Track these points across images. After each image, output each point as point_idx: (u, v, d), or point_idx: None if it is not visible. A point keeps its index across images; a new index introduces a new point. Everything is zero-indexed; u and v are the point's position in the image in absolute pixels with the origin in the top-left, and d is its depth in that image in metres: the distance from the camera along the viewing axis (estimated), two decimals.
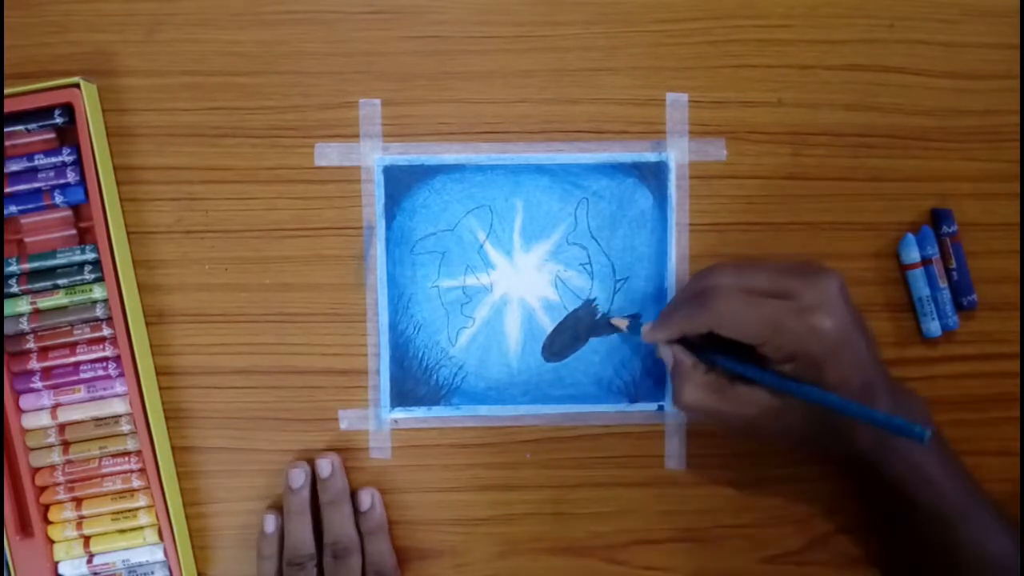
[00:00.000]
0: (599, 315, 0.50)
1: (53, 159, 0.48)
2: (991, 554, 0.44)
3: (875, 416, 0.41)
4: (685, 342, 0.46)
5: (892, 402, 0.44)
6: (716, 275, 0.45)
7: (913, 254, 0.50)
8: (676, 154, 0.50)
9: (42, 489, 0.49)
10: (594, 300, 0.51)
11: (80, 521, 0.49)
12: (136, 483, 0.49)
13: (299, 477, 0.48)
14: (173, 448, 0.50)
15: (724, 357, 0.45)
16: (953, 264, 0.50)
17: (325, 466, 0.49)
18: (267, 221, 0.50)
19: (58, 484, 0.48)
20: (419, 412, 0.51)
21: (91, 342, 0.48)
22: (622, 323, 0.50)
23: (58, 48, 0.49)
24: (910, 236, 0.50)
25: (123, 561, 0.49)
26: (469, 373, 0.51)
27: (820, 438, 0.45)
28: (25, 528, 0.49)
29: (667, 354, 0.46)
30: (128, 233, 0.50)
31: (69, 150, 0.48)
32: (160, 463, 0.48)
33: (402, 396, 0.51)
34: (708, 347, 0.45)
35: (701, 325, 0.44)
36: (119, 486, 0.49)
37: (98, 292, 0.48)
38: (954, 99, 0.51)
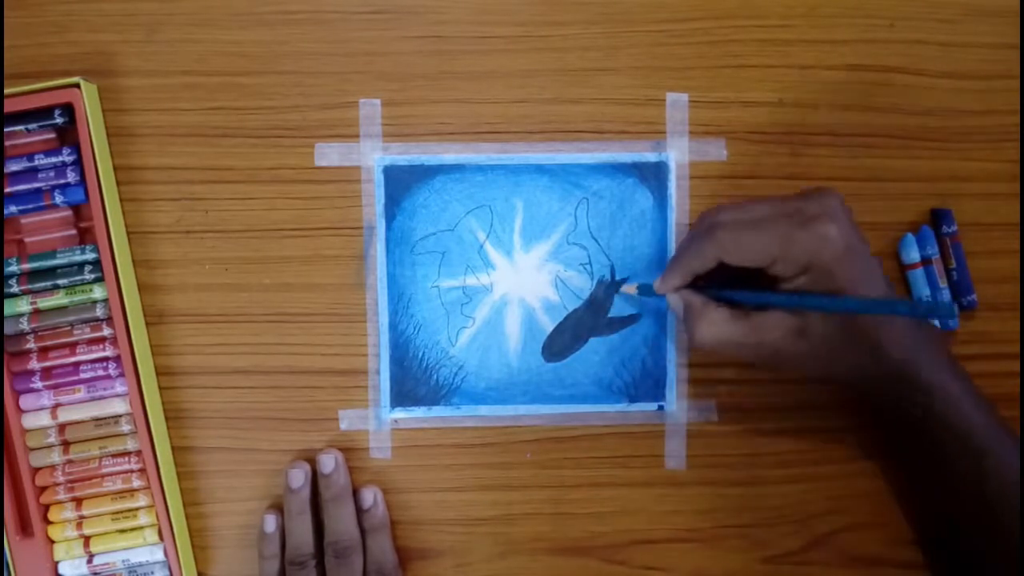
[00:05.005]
0: (609, 284, 0.50)
1: (53, 159, 0.48)
2: (1016, 483, 0.43)
3: (897, 305, 0.40)
4: (695, 288, 0.46)
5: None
6: (717, 213, 0.45)
7: (913, 254, 0.50)
8: (676, 154, 0.50)
9: (42, 489, 0.49)
10: (594, 299, 0.51)
11: (80, 521, 0.49)
12: (136, 483, 0.49)
13: (299, 477, 0.48)
14: (173, 448, 0.50)
15: (736, 291, 0.44)
16: (953, 264, 0.50)
17: (328, 462, 0.49)
18: (267, 221, 0.50)
19: (58, 484, 0.48)
20: (419, 412, 0.51)
21: (91, 342, 0.48)
22: (631, 288, 0.50)
23: (58, 48, 0.49)
24: (910, 236, 0.50)
25: (123, 561, 0.49)
26: (469, 373, 0.51)
27: (847, 354, 0.44)
28: (25, 528, 0.49)
29: (677, 301, 0.46)
30: (128, 233, 0.50)
31: (69, 150, 0.48)
32: (160, 463, 0.48)
33: (402, 396, 0.51)
34: (717, 287, 0.45)
35: (709, 258, 0.44)
36: (119, 486, 0.49)
37: (98, 292, 0.48)
38: (954, 99, 0.51)
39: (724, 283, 0.45)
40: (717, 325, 0.44)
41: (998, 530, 0.44)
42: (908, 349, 0.44)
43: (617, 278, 0.51)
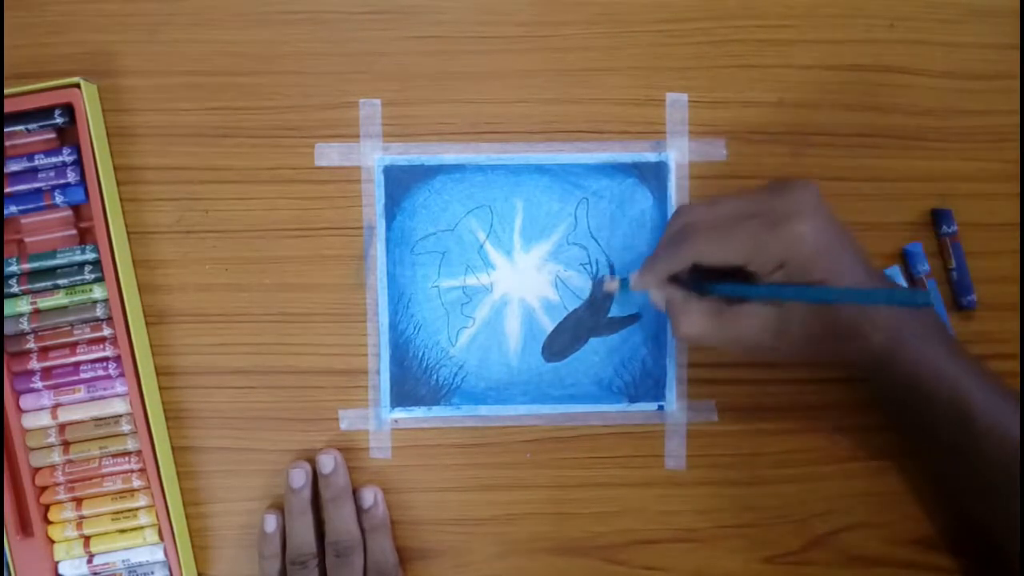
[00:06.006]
0: (595, 279, 0.50)
1: (53, 159, 0.48)
2: (1013, 443, 0.42)
3: (872, 295, 0.40)
4: (675, 282, 0.46)
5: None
6: (688, 213, 0.45)
7: (900, 279, 0.50)
8: (676, 154, 0.50)
9: (42, 489, 0.49)
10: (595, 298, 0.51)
11: (80, 521, 0.49)
12: (136, 483, 0.49)
13: (300, 477, 0.48)
14: (173, 448, 0.50)
15: (715, 284, 0.45)
16: (953, 264, 0.50)
17: (327, 462, 0.49)
18: (267, 221, 0.50)
19: (58, 484, 0.48)
20: (419, 412, 0.51)
21: (91, 342, 0.48)
22: (613, 284, 0.50)
23: (58, 48, 0.49)
24: (907, 249, 0.50)
25: (123, 561, 0.49)
26: (469, 373, 0.51)
27: (828, 341, 0.43)
28: (25, 528, 0.49)
29: (658, 296, 0.46)
30: (128, 233, 0.50)
31: (69, 150, 0.48)
32: (160, 463, 0.48)
33: (402, 396, 0.51)
34: (697, 281, 0.45)
35: (684, 259, 0.44)
36: (119, 486, 0.49)
37: (98, 292, 0.48)
38: (954, 99, 0.51)
39: (704, 274, 0.45)
40: (698, 318, 0.44)
41: (1004, 504, 0.43)
42: (891, 332, 0.43)
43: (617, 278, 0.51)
